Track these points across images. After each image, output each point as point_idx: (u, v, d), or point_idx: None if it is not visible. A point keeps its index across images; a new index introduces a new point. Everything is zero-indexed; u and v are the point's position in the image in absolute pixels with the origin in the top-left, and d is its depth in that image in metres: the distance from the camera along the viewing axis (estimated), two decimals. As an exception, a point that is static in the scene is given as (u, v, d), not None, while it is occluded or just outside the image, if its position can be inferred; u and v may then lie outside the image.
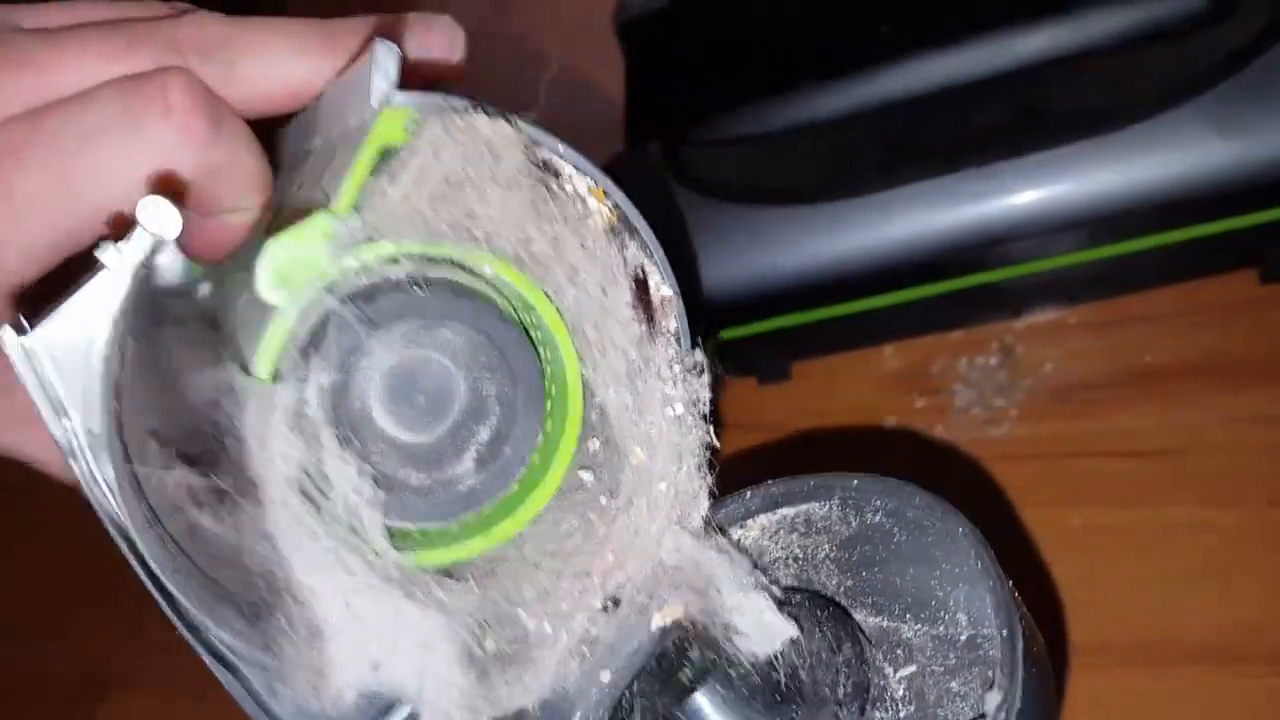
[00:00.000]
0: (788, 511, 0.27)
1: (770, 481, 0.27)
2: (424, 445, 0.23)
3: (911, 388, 0.56)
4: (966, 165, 0.53)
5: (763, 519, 0.27)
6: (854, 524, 0.27)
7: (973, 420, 0.53)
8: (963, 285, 0.54)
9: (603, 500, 0.24)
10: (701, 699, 0.23)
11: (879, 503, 0.27)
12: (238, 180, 0.26)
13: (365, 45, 0.26)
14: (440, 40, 0.28)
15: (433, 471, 0.23)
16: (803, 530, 0.27)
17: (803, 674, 0.23)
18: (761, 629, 0.24)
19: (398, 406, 0.22)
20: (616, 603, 0.24)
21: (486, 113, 0.22)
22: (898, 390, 0.56)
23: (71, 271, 0.24)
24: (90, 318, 0.21)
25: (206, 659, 0.22)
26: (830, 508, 0.27)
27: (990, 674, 0.24)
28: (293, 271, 0.21)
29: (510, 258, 0.22)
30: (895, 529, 0.27)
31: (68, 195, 0.25)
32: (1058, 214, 0.52)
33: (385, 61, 0.22)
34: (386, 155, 0.22)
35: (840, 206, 0.55)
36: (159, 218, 0.21)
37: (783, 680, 0.23)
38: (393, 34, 0.26)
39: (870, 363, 0.58)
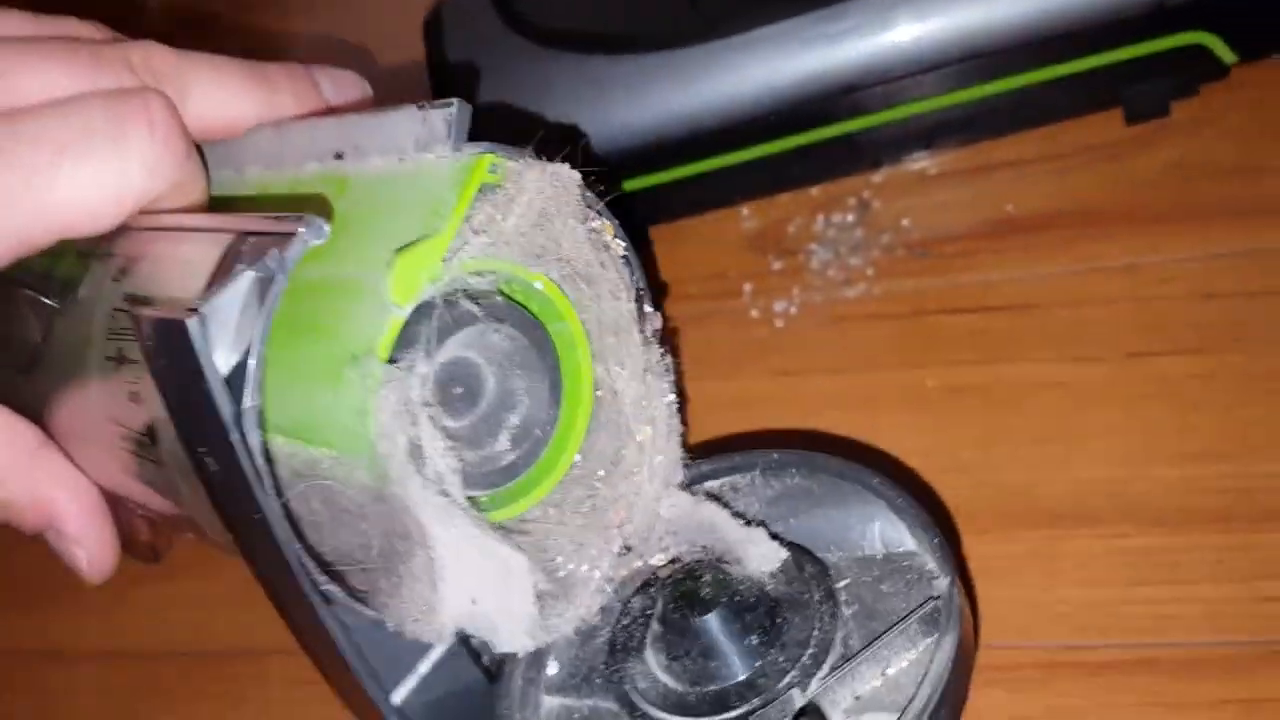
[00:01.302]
0: (714, 484, 0.33)
1: (699, 461, 0.33)
2: (465, 428, 0.28)
3: (768, 249, 0.53)
4: (817, 5, 0.49)
5: (697, 489, 0.33)
6: (776, 487, 0.33)
7: (829, 281, 0.50)
8: (818, 137, 0.51)
9: (607, 471, 0.30)
10: (712, 618, 0.28)
11: (794, 470, 0.33)
12: (194, 196, 0.29)
13: (293, 88, 0.32)
14: (353, 90, 0.33)
15: (477, 449, 0.28)
16: (731, 495, 0.33)
17: (785, 588, 0.30)
18: (761, 555, 0.30)
19: (444, 395, 0.27)
20: (629, 549, 0.30)
21: (556, 160, 0.28)
22: (753, 253, 0.53)
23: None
24: (245, 309, 0.25)
25: (325, 617, 0.26)
26: (753, 477, 0.33)
27: (910, 577, 0.30)
28: (415, 280, 0.25)
29: (558, 277, 0.28)
30: (812, 487, 0.32)
31: (42, 198, 0.27)
32: (913, 56, 0.49)
33: (464, 117, 0.26)
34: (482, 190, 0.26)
35: (686, 54, 0.51)
36: (319, 230, 0.25)
37: (773, 598, 0.29)
38: (315, 83, 0.32)
39: (725, 224, 0.55)
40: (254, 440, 0.25)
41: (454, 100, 0.26)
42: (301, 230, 0.25)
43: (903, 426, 0.44)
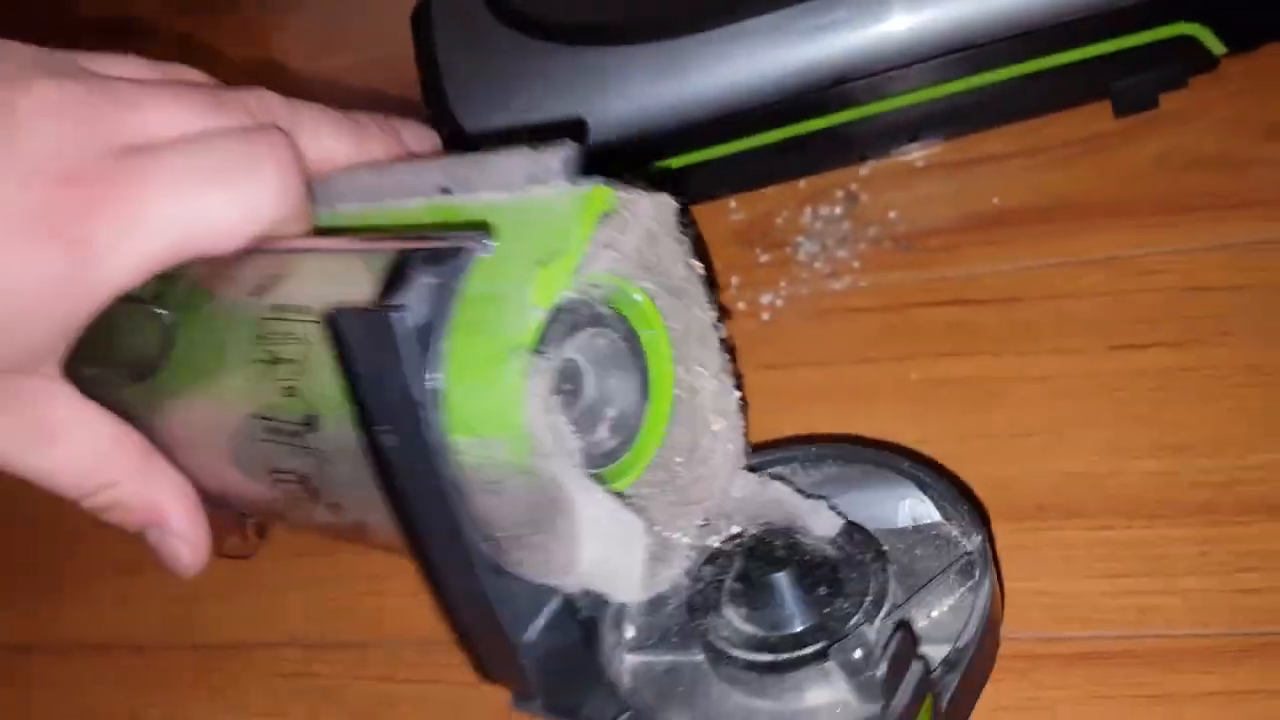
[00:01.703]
0: (764, 472, 0.37)
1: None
2: (575, 417, 0.31)
3: (755, 242, 0.53)
4: (805, -2, 0.49)
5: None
6: (815, 474, 0.38)
7: (816, 274, 0.50)
8: (806, 129, 0.51)
9: (685, 457, 0.34)
10: (787, 574, 0.33)
11: (830, 458, 0.38)
12: (305, 225, 0.33)
13: (382, 136, 0.36)
14: (428, 142, 0.38)
15: (583, 436, 0.31)
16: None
17: (842, 551, 0.34)
18: (823, 523, 0.35)
19: (562, 388, 0.31)
20: (707, 522, 0.35)
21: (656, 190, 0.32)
22: (741, 245, 0.53)
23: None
24: (427, 310, 0.29)
25: (484, 577, 0.30)
26: (794, 467, 0.38)
27: (940, 544, 0.35)
28: (553, 288, 0.29)
29: (656, 290, 0.33)
30: (847, 472, 0.38)
31: (186, 220, 0.30)
32: (902, 48, 0.48)
33: (577, 157, 0.31)
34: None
35: (674, 46, 0.51)
36: (488, 245, 0.30)
37: (833, 559, 0.34)
38: (398, 132, 0.37)
39: (714, 217, 0.55)
40: (436, 418, 0.29)
41: (565, 140, 0.31)
42: (473, 245, 0.29)
43: (887, 419, 0.44)
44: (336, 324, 0.29)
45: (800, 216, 0.52)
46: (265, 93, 0.34)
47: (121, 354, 0.36)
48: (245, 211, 0.31)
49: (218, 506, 0.36)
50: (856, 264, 0.50)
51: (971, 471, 0.41)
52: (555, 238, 0.29)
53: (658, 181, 0.32)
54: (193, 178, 0.31)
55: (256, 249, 0.32)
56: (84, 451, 0.33)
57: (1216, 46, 0.48)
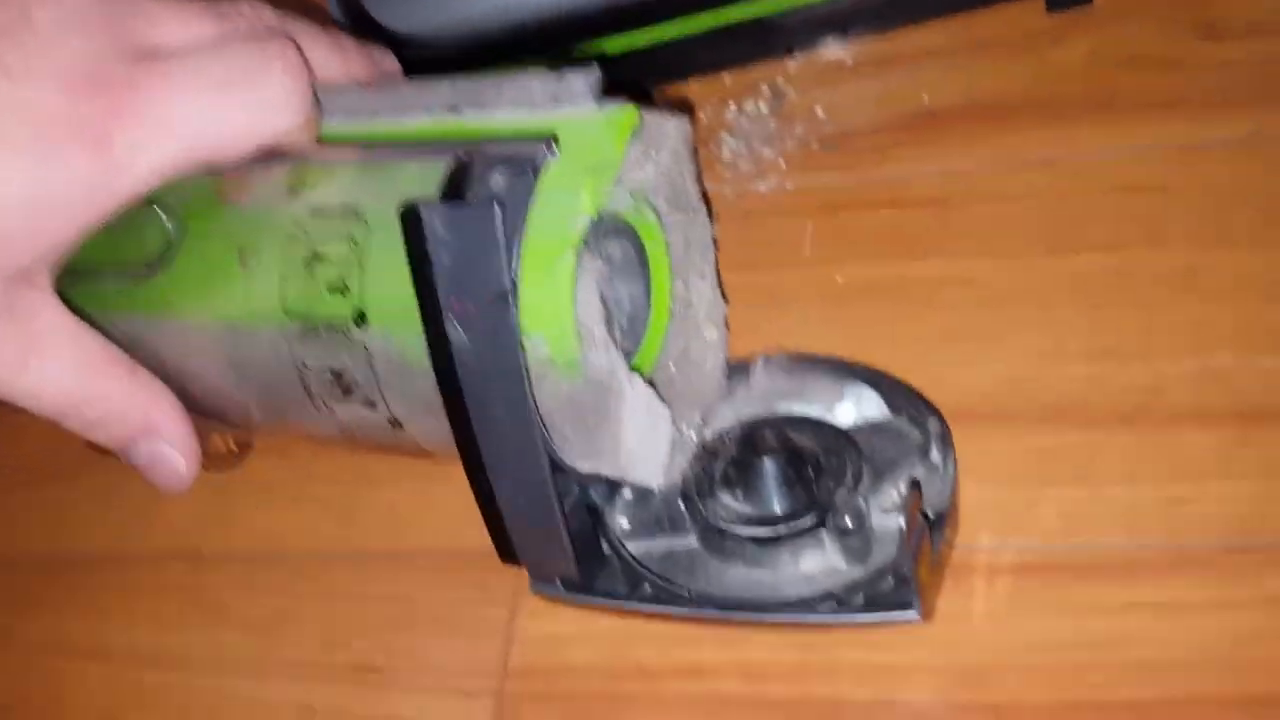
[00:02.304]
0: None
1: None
2: None
3: (676, 139, 0.50)
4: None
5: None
6: (774, 381, 0.40)
7: (740, 174, 0.48)
8: (729, 18, 0.48)
9: (678, 362, 0.37)
10: (773, 461, 0.36)
11: (784, 365, 0.40)
12: (313, 133, 0.34)
13: (359, 55, 0.37)
14: (392, 65, 0.39)
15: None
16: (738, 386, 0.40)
17: (822, 441, 0.38)
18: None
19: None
20: (704, 420, 0.38)
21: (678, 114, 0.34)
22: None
23: None
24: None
25: (544, 465, 0.32)
26: (749, 375, 0.40)
27: (894, 433, 0.38)
28: (598, 196, 0.30)
29: (671, 205, 0.35)
30: (802, 377, 0.40)
31: (205, 123, 0.31)
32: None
33: (602, 79, 0.32)
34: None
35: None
36: (555, 151, 0.31)
37: (816, 447, 0.37)
38: (372, 55, 0.38)
39: (632, 112, 0.52)
40: (514, 312, 0.30)
41: (593, 63, 0.32)
42: (544, 151, 0.31)
43: (813, 323, 0.42)
44: (419, 217, 0.30)
45: (724, 113, 0.50)
46: (258, 4, 0.35)
47: (115, 260, 0.36)
48: (259, 115, 0.32)
49: (199, 419, 0.37)
50: (782, 163, 0.47)
51: (899, 376, 0.39)
52: (596, 152, 0.31)
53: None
54: (209, 81, 0.31)
55: (275, 156, 0.33)
56: (72, 365, 0.33)
57: (1153, -59, 0.46)
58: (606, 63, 0.49)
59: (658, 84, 0.52)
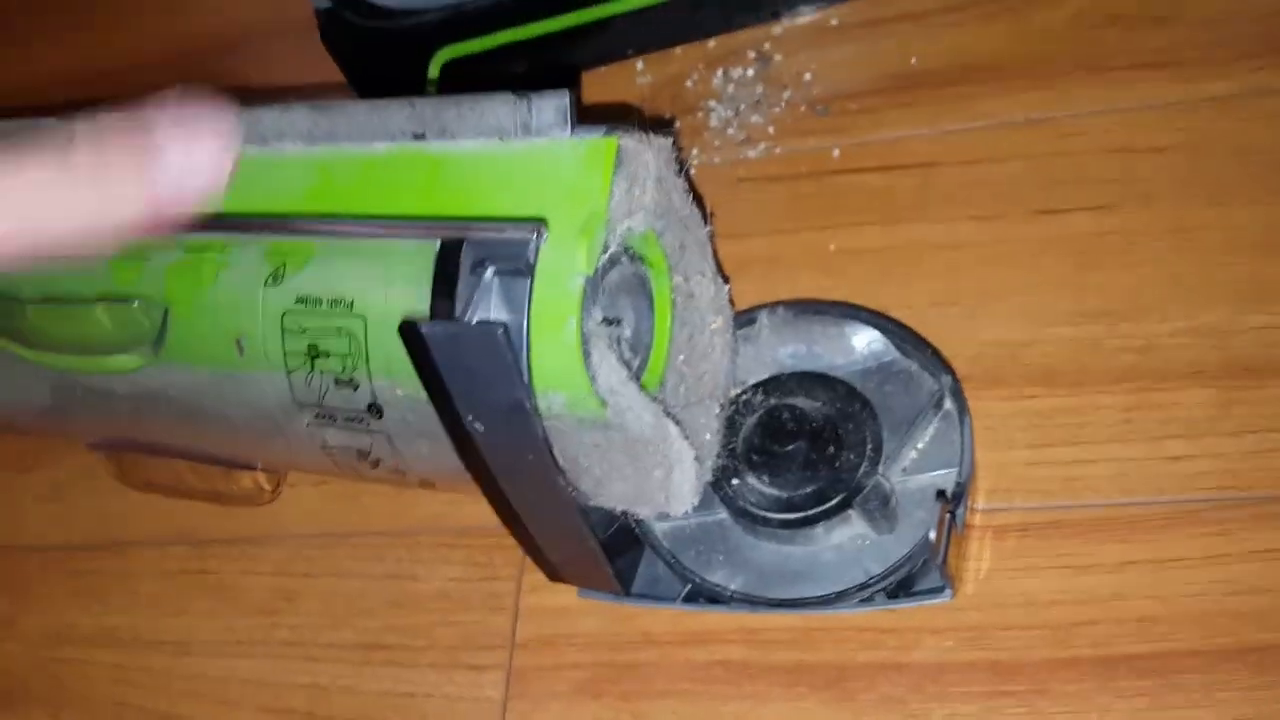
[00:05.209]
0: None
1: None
2: None
3: (664, 107, 0.50)
4: None
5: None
6: (780, 331, 0.41)
7: (729, 141, 0.48)
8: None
9: (687, 355, 0.37)
10: (797, 448, 0.37)
11: (791, 313, 0.40)
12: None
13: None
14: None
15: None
16: (749, 339, 0.41)
17: (835, 408, 0.38)
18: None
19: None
20: (721, 408, 0.38)
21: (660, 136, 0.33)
22: (649, 110, 0.51)
23: None
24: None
25: (576, 512, 0.33)
26: (759, 325, 0.41)
27: (904, 378, 0.39)
28: (594, 254, 0.30)
29: (666, 224, 0.35)
30: (809, 324, 0.40)
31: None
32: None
33: (574, 104, 0.31)
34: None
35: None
36: (544, 235, 0.30)
37: (832, 418, 0.38)
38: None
39: (620, 80, 0.52)
40: (532, 408, 0.30)
41: (565, 90, 0.31)
42: (533, 238, 0.29)
43: (805, 291, 0.43)
44: (421, 338, 0.29)
45: (711, 79, 0.50)
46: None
47: (116, 342, 0.36)
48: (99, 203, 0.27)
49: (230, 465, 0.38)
50: (771, 129, 0.47)
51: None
52: (582, 200, 0.30)
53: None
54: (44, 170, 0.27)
55: (273, 228, 0.33)
56: None
57: (1137, -104, 0.46)
58: (590, 30, 0.50)
59: (642, 52, 0.52)
